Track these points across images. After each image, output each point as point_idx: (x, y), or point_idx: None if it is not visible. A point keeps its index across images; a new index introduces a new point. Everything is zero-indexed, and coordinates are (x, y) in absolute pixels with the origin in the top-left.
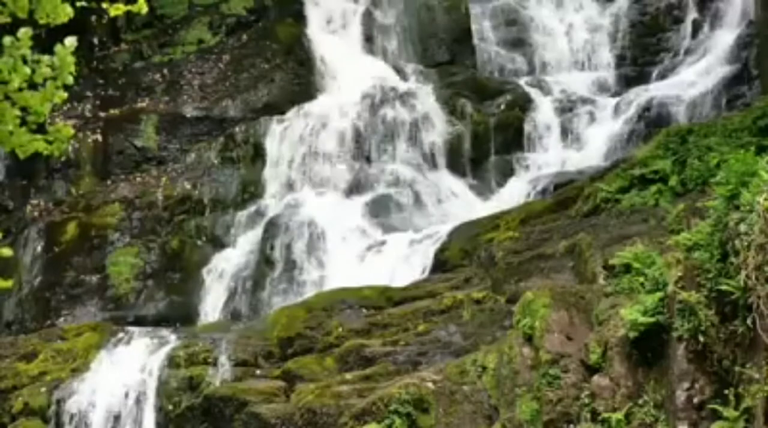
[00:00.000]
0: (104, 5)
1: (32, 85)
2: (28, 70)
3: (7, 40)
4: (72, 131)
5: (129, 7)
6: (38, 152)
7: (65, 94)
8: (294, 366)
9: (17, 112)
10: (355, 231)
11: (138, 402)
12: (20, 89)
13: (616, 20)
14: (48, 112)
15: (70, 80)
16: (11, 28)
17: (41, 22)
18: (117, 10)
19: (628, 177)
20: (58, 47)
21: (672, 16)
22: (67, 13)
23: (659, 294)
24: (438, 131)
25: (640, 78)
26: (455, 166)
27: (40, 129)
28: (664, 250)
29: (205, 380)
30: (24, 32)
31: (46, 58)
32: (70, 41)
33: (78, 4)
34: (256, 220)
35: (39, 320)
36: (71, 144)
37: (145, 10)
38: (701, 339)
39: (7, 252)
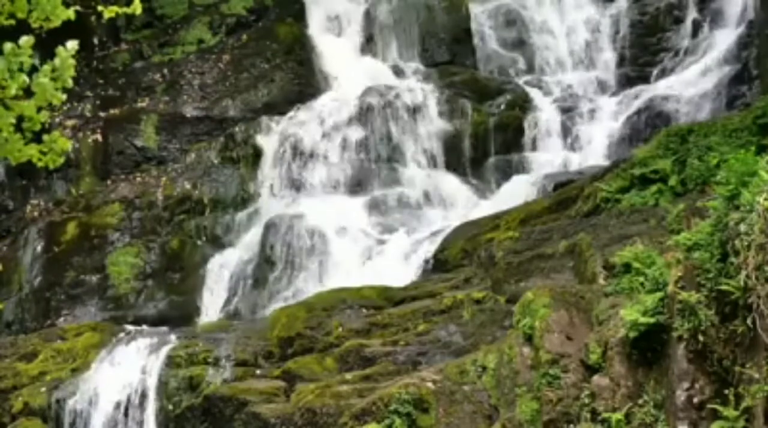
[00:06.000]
0: (99, 7)
1: (29, 92)
2: (25, 78)
3: (8, 46)
4: (68, 144)
5: (122, 10)
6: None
7: (64, 96)
8: (294, 366)
9: (12, 119)
10: (355, 231)
11: (138, 402)
12: (16, 97)
13: (616, 20)
14: (44, 120)
15: (69, 83)
16: (12, 32)
17: (37, 24)
18: (110, 12)
19: (628, 177)
20: (59, 49)
21: (672, 16)
22: (67, 14)
23: (659, 294)
24: (438, 131)
25: (640, 78)
26: (455, 166)
27: (38, 135)
28: (664, 250)
29: (205, 380)
30: (26, 41)
31: (44, 67)
32: (72, 44)
33: (73, 8)
34: (256, 220)
35: (39, 320)
36: (71, 144)
37: (139, 11)
38: (701, 339)
39: None
